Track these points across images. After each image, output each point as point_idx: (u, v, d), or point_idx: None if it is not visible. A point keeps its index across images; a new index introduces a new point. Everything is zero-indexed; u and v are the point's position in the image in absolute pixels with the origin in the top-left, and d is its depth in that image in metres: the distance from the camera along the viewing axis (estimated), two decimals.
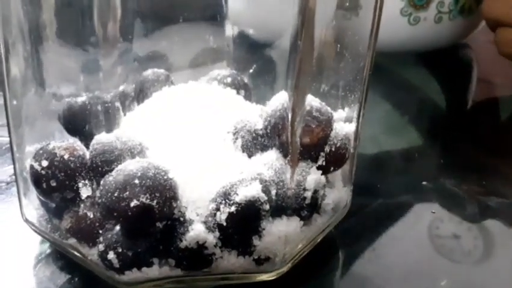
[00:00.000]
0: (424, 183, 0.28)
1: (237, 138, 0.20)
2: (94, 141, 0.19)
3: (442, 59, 0.46)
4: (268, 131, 0.20)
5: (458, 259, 0.23)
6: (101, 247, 0.18)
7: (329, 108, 0.21)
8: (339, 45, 0.21)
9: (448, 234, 0.25)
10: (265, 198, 0.18)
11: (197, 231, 0.18)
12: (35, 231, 0.21)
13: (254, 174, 0.19)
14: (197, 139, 0.20)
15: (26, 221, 0.21)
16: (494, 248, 0.24)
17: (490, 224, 0.26)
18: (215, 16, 0.25)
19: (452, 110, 0.40)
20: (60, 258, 0.21)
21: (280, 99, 0.19)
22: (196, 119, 0.21)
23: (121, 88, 0.21)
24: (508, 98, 0.43)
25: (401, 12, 0.43)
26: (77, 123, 0.20)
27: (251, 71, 0.25)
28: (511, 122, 0.38)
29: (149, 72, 0.24)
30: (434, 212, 0.26)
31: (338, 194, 0.22)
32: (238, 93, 0.24)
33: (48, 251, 0.22)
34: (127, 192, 0.17)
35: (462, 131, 0.36)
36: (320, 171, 0.20)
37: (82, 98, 0.20)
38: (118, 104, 0.20)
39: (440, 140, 0.35)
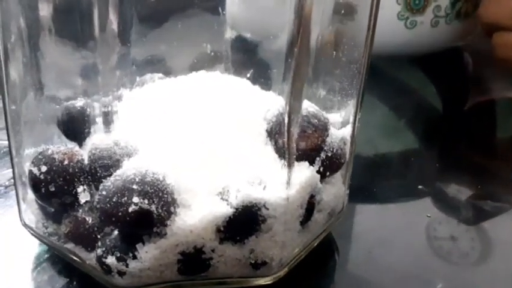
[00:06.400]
0: (420, 187, 0.28)
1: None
2: (92, 147, 0.19)
3: (439, 63, 0.47)
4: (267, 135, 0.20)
5: (455, 262, 0.23)
6: (99, 251, 0.19)
7: (325, 114, 0.21)
8: (335, 51, 0.21)
9: (444, 237, 0.25)
10: (263, 202, 0.18)
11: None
12: (34, 235, 0.21)
13: (253, 178, 0.19)
14: (196, 138, 0.20)
15: (25, 225, 0.21)
16: (490, 252, 0.24)
17: (486, 228, 0.26)
18: (213, 20, 0.25)
19: (448, 113, 0.40)
20: (59, 262, 0.21)
21: (277, 104, 0.20)
22: (195, 114, 0.21)
23: (119, 92, 0.21)
24: (504, 102, 0.43)
25: (398, 16, 0.43)
26: (75, 128, 0.20)
27: (248, 75, 0.25)
28: (507, 126, 0.38)
29: (146, 77, 0.24)
30: (429, 216, 0.26)
31: (334, 198, 0.22)
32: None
33: (47, 255, 0.22)
34: (125, 198, 0.17)
35: (458, 134, 0.36)
36: (317, 176, 0.20)
37: (79, 103, 0.21)
38: (116, 108, 0.20)
39: (437, 143, 0.35)
